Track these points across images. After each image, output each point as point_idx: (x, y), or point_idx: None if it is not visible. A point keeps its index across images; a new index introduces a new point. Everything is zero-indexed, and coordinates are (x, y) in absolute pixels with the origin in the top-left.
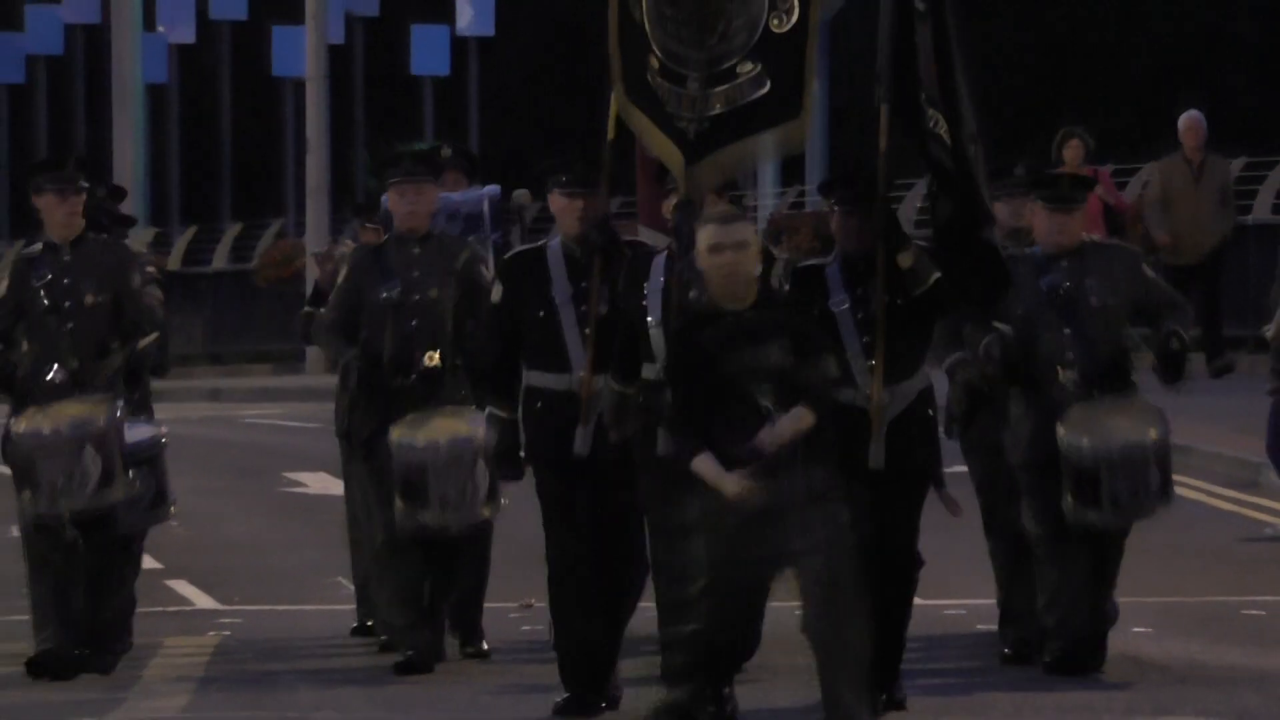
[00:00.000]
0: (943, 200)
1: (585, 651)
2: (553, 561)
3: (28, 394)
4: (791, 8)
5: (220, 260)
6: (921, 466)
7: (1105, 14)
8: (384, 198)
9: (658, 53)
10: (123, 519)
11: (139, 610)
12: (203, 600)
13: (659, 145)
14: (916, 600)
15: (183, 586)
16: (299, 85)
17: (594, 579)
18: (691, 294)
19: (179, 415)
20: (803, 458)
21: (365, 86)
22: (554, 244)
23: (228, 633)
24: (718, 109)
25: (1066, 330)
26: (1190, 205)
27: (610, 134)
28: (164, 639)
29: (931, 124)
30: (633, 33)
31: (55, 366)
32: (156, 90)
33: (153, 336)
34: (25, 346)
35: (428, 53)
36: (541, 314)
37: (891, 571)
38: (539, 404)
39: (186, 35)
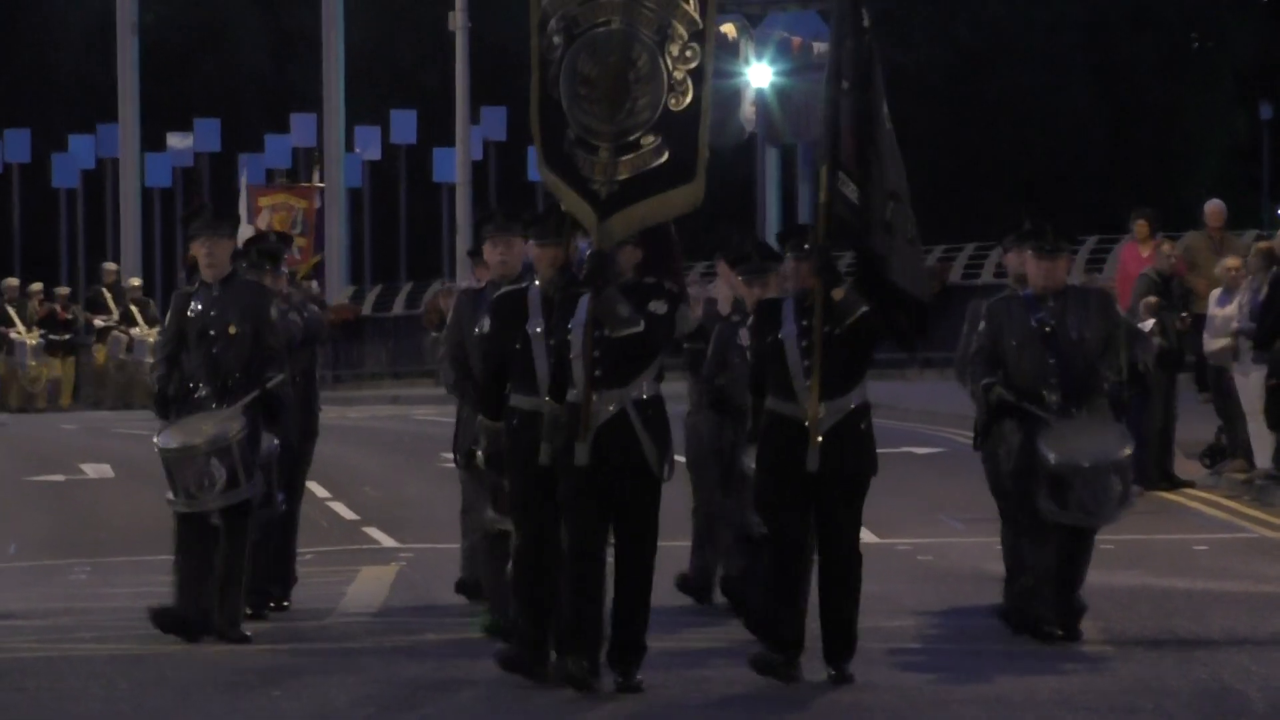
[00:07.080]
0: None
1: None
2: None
3: (178, 407)
4: (687, 90)
5: (398, 307)
6: (856, 472)
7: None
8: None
9: (573, 126)
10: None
11: (342, 548)
12: (387, 540)
13: (572, 203)
14: (874, 539)
15: (373, 531)
16: (451, 188)
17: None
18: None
19: (371, 413)
20: None
21: (496, 188)
22: (534, 286)
23: (404, 564)
24: (625, 174)
25: (1051, 359)
26: (1210, 269)
27: None
28: (361, 567)
29: (840, 184)
30: (551, 110)
31: (201, 384)
32: (355, 192)
33: (279, 377)
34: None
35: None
36: (518, 345)
37: (838, 568)
38: (514, 420)
39: (375, 154)
